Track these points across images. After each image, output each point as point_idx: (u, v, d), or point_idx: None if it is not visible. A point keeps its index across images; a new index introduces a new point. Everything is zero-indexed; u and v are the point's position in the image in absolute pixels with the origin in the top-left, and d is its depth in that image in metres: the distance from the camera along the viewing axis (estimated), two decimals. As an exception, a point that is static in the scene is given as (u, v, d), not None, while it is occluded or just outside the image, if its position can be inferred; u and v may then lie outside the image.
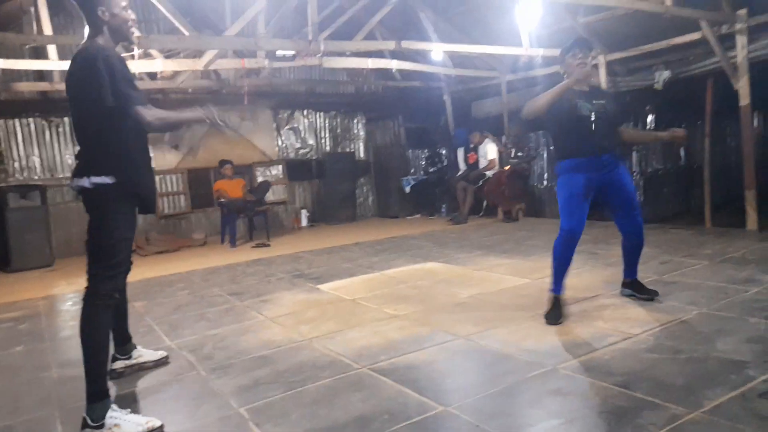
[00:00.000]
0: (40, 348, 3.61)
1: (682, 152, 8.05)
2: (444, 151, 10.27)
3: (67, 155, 7.95)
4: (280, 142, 9.81)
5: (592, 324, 3.23)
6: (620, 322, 3.20)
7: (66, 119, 7.84)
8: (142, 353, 3.02)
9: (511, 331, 3.22)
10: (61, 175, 7.89)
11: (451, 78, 9.20)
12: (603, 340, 2.94)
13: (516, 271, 4.76)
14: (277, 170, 9.75)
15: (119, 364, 2.93)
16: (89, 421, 2.23)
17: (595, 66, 3.32)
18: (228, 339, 3.46)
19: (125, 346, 2.97)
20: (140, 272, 6.04)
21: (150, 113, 2.36)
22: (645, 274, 4.17)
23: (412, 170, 10.75)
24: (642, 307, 3.45)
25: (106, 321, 2.38)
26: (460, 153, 9.13)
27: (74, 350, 3.52)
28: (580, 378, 2.49)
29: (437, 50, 6.91)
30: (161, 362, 3.05)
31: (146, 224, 8.44)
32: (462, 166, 9.09)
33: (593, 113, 3.35)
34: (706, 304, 3.41)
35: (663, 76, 6.59)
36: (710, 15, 5.79)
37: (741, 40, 5.88)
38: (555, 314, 3.33)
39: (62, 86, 6.57)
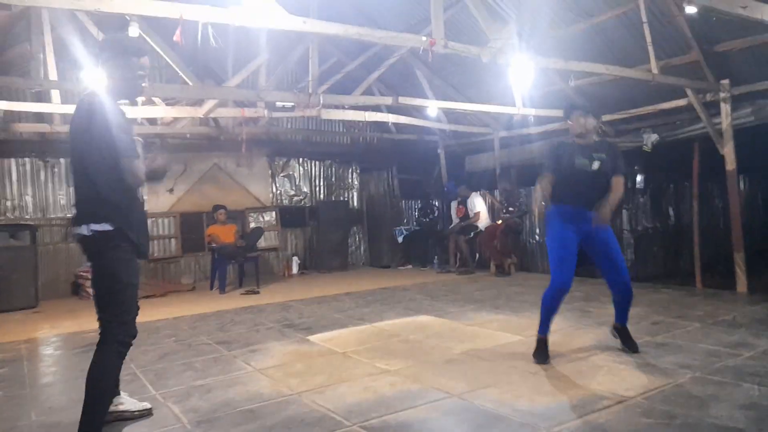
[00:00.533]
0: (21, 395, 3.50)
1: (671, 212, 8.20)
2: (437, 203, 10.39)
3: (60, 196, 7.94)
4: (274, 189, 9.88)
5: (586, 385, 3.20)
6: (614, 384, 3.18)
7: (62, 160, 7.89)
8: (124, 401, 2.92)
9: (504, 390, 3.18)
10: (53, 215, 7.86)
11: (446, 133, 9.42)
12: (597, 403, 2.91)
13: (508, 328, 4.73)
14: (270, 216, 9.77)
15: None
16: None
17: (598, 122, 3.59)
18: (215, 390, 3.38)
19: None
20: (127, 317, 5.93)
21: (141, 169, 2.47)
22: (637, 335, 4.17)
23: (405, 221, 10.83)
24: (636, 369, 3.43)
25: (115, 368, 2.44)
26: (453, 205, 9.24)
27: (56, 398, 3.43)
28: (575, 442, 2.45)
29: (433, 107, 7.11)
30: (144, 413, 2.96)
31: (135, 267, 8.35)
32: (455, 218, 9.17)
33: (592, 165, 3.59)
34: (699, 367, 3.40)
35: (651, 138, 6.79)
36: (695, 84, 6.03)
37: (725, 108, 6.11)
38: (542, 354, 3.66)
39: (62, 128, 6.68)
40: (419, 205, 10.59)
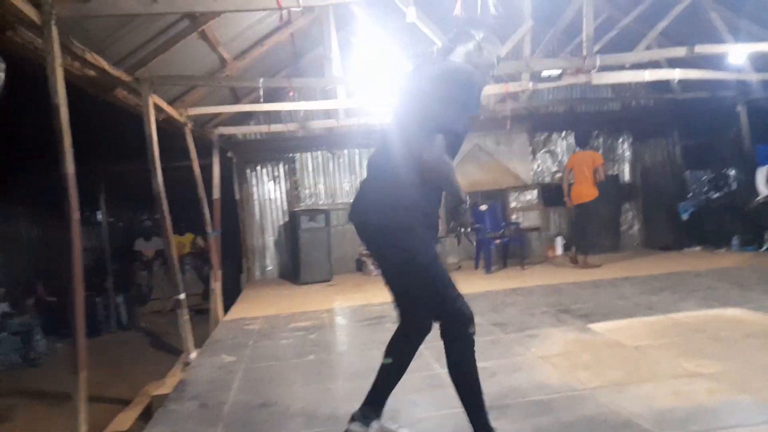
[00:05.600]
0: (329, 359, 3.98)
1: None
2: (733, 173, 8.63)
3: (345, 183, 8.97)
4: (535, 166, 9.49)
5: None
6: None
7: (346, 151, 8.88)
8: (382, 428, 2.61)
9: None
10: (339, 201, 8.92)
11: (748, 85, 7.68)
12: None
13: None
14: (531, 195, 9.44)
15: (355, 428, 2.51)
16: None
17: None
18: (499, 375, 3.30)
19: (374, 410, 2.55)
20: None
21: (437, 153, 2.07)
22: None
23: (690, 194, 9.30)
24: None
25: (471, 358, 2.31)
26: (761, 174, 7.52)
27: (355, 364, 3.79)
28: None
29: (740, 52, 5.76)
30: None
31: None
32: (763, 189, 7.47)
33: None
34: None
35: None
36: None
37: None
38: None
39: (345, 122, 7.46)
40: (709, 176, 8.94)
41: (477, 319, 4.90)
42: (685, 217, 8.74)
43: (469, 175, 9.13)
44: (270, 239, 8.87)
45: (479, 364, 3.56)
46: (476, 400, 2.22)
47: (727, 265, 6.74)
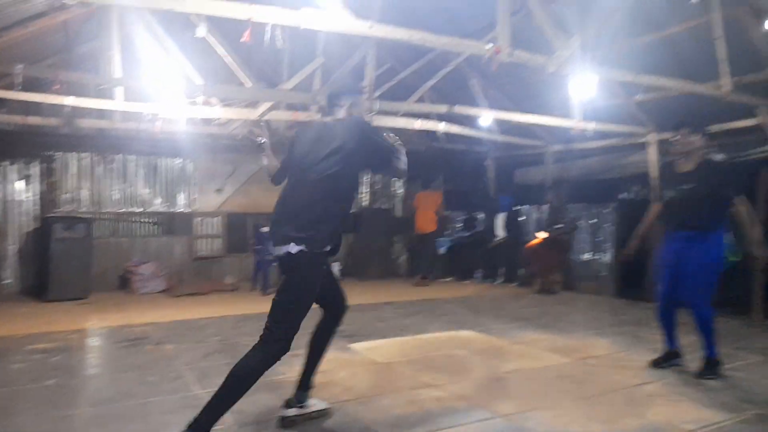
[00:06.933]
0: (72, 384, 3.58)
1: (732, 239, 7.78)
2: (481, 216, 10.21)
3: (115, 191, 8.18)
4: (320, 194, 9.90)
5: (641, 414, 3.03)
6: (672, 416, 3.01)
7: (120, 156, 8.14)
8: (315, 403, 3.01)
9: (556, 414, 3.04)
10: (106, 210, 8.10)
11: (496, 144, 9.25)
12: (656, 436, 2.75)
13: (557, 349, 4.56)
14: (314, 221, 9.80)
15: (292, 412, 2.91)
16: None
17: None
18: (258, 393, 3.34)
19: (306, 392, 2.98)
20: (171, 314, 6.05)
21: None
22: (695, 365, 3.95)
23: (447, 232, 10.69)
24: (694, 401, 3.24)
25: (260, 373, 2.47)
26: (500, 219, 9.05)
27: (105, 389, 3.49)
28: (635, 477, 2.31)
29: (488, 116, 6.97)
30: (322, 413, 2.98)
31: (180, 265, 8.51)
32: (500, 232, 8.99)
33: (674, 196, 3.82)
34: (764, 403, 3.18)
35: (717, 158, 6.45)
36: None
37: (798, 130, 5.76)
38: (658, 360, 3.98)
39: (121, 125, 6.87)
40: (463, 217, 10.42)
41: (246, 340, 4.91)
42: (442, 251, 10.00)
43: (254, 197, 9.13)
44: (12, 247, 7.57)
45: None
46: (225, 404, 2.40)
47: (469, 294, 7.90)
